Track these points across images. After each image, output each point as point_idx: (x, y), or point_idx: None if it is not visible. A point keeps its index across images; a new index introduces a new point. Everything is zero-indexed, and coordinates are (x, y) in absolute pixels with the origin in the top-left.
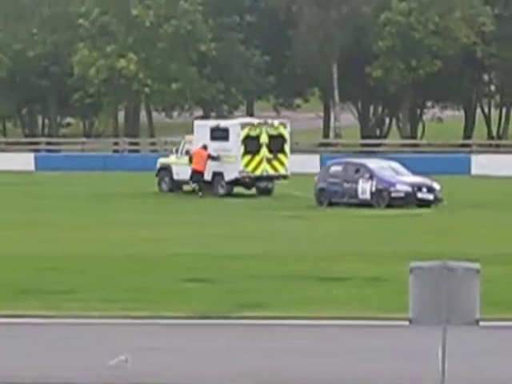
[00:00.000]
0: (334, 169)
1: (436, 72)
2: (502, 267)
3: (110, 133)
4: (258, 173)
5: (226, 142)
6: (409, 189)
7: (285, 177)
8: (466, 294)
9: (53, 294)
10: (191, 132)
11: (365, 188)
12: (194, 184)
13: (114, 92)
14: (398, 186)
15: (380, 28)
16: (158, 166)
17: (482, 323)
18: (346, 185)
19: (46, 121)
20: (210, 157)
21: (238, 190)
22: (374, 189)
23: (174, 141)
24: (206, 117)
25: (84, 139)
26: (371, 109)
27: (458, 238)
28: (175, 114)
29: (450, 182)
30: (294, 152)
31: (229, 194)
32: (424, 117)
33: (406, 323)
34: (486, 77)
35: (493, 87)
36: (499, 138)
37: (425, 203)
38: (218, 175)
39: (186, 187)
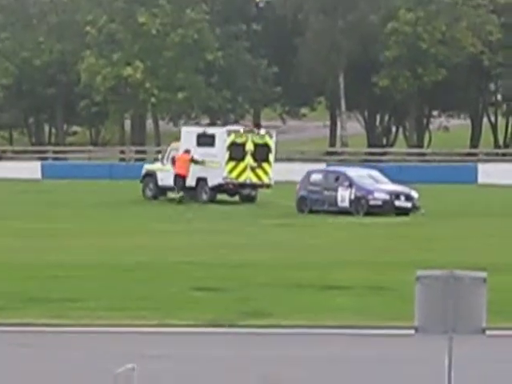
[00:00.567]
0: (315, 177)
1: (442, 81)
2: (509, 276)
3: (117, 141)
4: (241, 180)
5: (211, 148)
6: (386, 197)
7: (268, 186)
8: (473, 303)
9: (60, 302)
10: (179, 139)
11: (344, 196)
12: (181, 193)
13: (121, 100)
14: (376, 194)
15: (386, 37)
16: (143, 172)
17: (488, 332)
18: (326, 193)
19: (53, 129)
20: (192, 160)
21: (221, 197)
22: (352, 197)
23: None
24: (212, 124)
25: (90, 148)
26: (378, 117)
27: (462, 246)
28: (182, 122)
29: (456, 190)
30: (299, 161)
31: (212, 201)
32: (431, 126)
33: (412, 332)
34: (492, 86)
35: (499, 96)
36: (506, 146)
37: (402, 211)
38: (201, 181)
39: (170, 194)
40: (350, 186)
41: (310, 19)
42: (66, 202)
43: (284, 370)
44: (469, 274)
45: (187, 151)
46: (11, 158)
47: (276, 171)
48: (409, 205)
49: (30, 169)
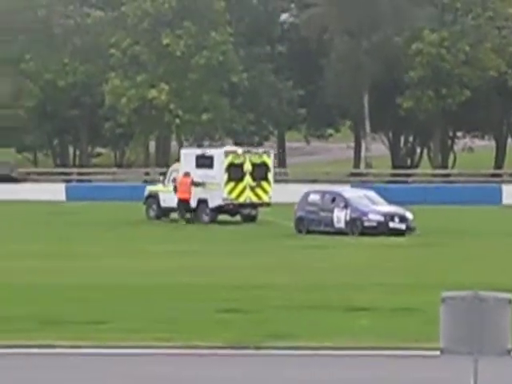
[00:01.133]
0: (313, 197)
1: (466, 102)
2: None
3: (141, 163)
4: (241, 200)
5: (210, 170)
6: (381, 218)
7: (267, 204)
8: (498, 324)
9: (83, 325)
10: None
11: (340, 217)
12: (187, 215)
13: (145, 122)
14: (371, 216)
15: (411, 58)
16: (146, 193)
17: None
18: (322, 213)
19: (77, 151)
20: (193, 183)
21: (222, 217)
22: (348, 218)
23: None
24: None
25: (115, 169)
26: (402, 139)
27: (486, 267)
28: (206, 144)
29: (480, 211)
30: (324, 182)
31: (213, 221)
32: (455, 147)
33: (437, 353)
34: None
35: None
36: None
37: (397, 232)
38: (202, 202)
39: (173, 215)
40: (346, 207)
41: (334, 40)
42: (88, 223)
43: None
44: (493, 295)
45: (187, 174)
46: (36, 180)
47: (297, 192)
48: (403, 226)
49: (55, 190)
